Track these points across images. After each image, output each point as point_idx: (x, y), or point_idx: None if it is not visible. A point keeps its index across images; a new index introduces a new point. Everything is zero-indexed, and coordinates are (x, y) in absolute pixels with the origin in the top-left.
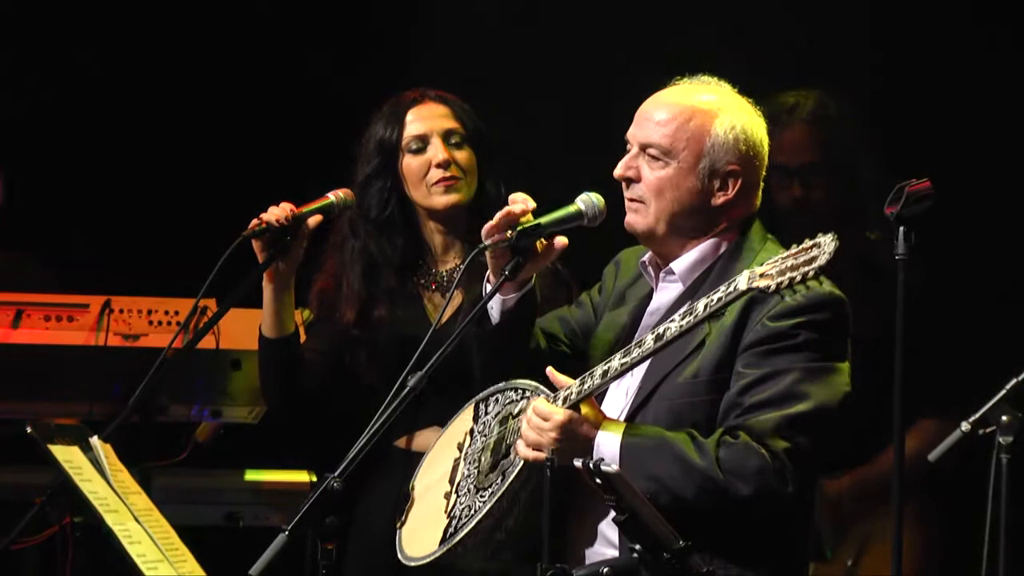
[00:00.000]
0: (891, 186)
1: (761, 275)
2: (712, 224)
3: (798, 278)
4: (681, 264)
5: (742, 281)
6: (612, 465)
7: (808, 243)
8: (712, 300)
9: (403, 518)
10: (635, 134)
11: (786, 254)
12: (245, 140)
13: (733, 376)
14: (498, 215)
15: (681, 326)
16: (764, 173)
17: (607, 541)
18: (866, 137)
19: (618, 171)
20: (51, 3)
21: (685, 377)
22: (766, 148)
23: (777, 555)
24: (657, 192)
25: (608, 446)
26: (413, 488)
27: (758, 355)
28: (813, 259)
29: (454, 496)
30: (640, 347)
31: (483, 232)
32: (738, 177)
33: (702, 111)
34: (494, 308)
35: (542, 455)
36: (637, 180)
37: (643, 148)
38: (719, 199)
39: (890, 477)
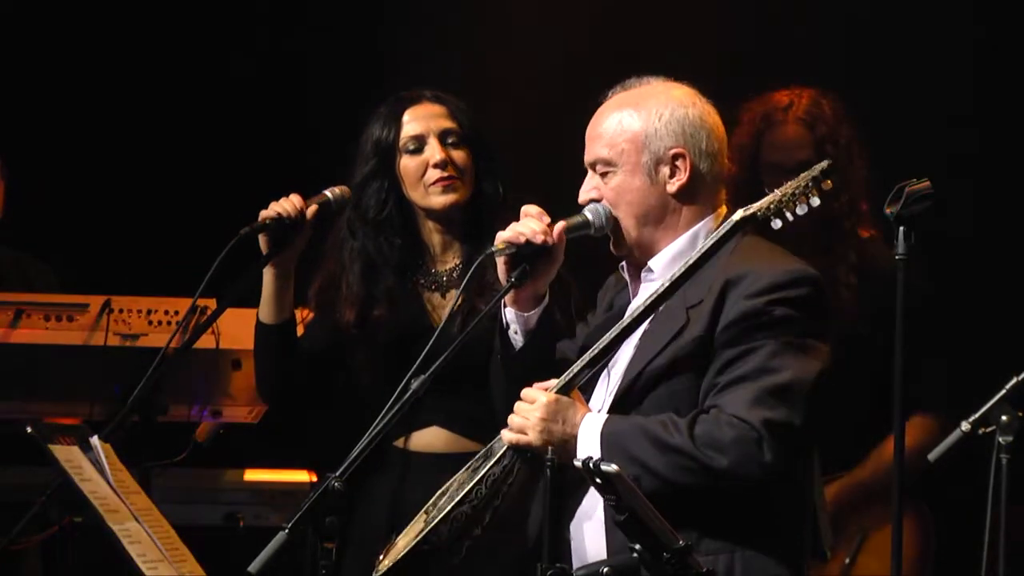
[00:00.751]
0: (885, 185)
1: (756, 205)
2: (680, 212)
3: (790, 191)
4: (659, 261)
5: (736, 215)
6: (612, 465)
7: (803, 174)
8: (705, 243)
9: (382, 557)
10: (586, 158)
11: (779, 189)
12: (244, 140)
13: (713, 357)
14: (520, 238)
15: (673, 274)
16: (720, 146)
17: (588, 515)
18: (860, 136)
19: (581, 198)
20: (51, 3)
21: (666, 364)
22: (711, 121)
23: (772, 537)
24: (615, 202)
25: (590, 430)
26: (394, 539)
27: (735, 334)
28: (806, 175)
29: (434, 510)
30: (631, 316)
31: (496, 239)
32: (685, 157)
33: (628, 110)
34: (518, 333)
35: (526, 437)
36: (600, 200)
37: (593, 167)
38: (674, 185)
39: (881, 479)
